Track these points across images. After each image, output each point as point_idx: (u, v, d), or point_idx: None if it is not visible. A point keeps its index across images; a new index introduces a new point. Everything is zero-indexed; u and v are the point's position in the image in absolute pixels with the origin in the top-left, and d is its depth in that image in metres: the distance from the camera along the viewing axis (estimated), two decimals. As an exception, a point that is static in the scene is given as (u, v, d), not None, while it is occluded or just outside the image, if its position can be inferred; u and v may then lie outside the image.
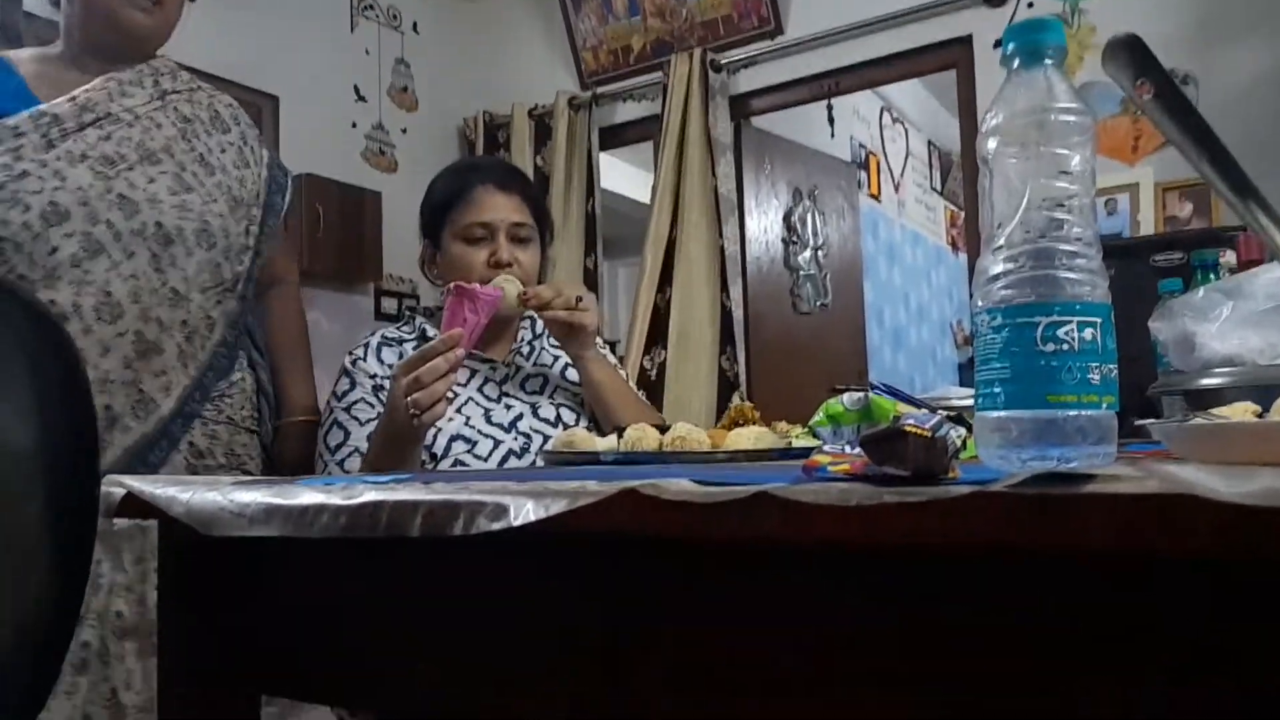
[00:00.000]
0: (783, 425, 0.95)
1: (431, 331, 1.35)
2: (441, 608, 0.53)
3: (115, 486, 0.57)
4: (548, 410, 1.34)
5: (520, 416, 1.31)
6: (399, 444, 1.10)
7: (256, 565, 0.60)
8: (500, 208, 1.37)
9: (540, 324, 1.46)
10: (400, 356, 1.30)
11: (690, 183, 3.13)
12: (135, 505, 0.56)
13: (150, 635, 0.82)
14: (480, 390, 1.33)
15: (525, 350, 1.42)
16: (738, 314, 3.06)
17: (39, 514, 0.47)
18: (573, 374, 1.41)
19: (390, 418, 1.09)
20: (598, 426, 1.34)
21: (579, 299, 1.30)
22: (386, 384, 1.22)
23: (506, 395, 1.34)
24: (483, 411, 1.29)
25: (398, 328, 1.39)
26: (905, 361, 5.30)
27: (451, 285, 1.14)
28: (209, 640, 0.63)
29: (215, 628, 0.63)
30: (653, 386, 3.04)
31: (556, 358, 1.43)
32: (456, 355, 1.08)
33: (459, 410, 1.27)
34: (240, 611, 0.62)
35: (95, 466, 0.51)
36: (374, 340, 1.33)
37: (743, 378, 3.01)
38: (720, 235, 3.08)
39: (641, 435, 0.84)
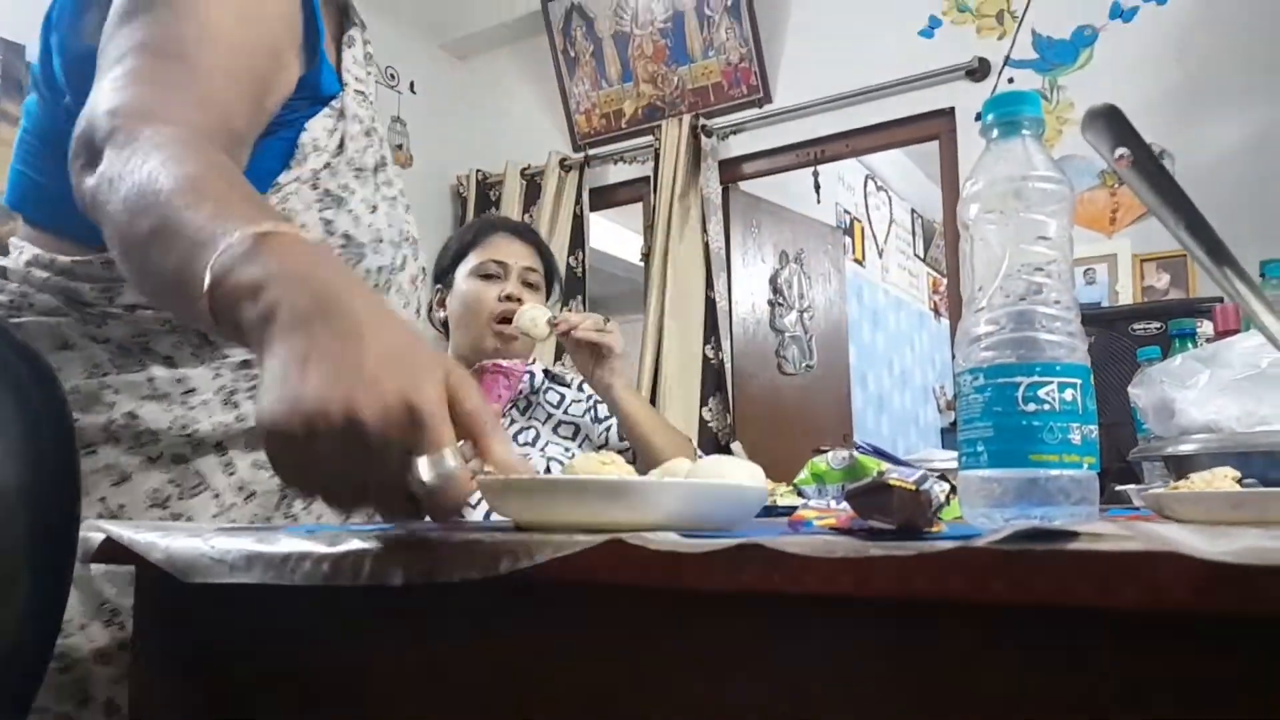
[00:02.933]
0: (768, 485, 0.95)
1: None
2: (423, 657, 0.52)
3: (94, 531, 0.56)
4: (539, 461, 1.34)
5: None
6: None
7: (237, 613, 0.59)
8: (516, 252, 1.44)
9: (539, 379, 1.48)
10: None
11: (683, 240, 3.18)
12: (114, 550, 0.55)
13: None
14: None
15: (522, 405, 1.43)
16: (727, 365, 3.10)
17: (19, 548, 0.47)
18: (566, 430, 1.41)
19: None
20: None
21: (606, 319, 1.33)
22: None
23: None
24: None
25: None
26: (889, 425, 5.33)
27: (487, 364, 1.16)
28: (184, 688, 0.61)
29: (192, 676, 0.61)
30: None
31: (549, 414, 1.43)
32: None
33: None
34: (218, 660, 0.60)
35: (76, 507, 0.51)
36: None
37: (717, 427, 3.02)
38: (711, 289, 3.13)
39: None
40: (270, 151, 0.77)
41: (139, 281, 0.59)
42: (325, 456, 0.41)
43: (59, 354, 0.74)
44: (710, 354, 3.10)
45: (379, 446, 0.41)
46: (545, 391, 1.47)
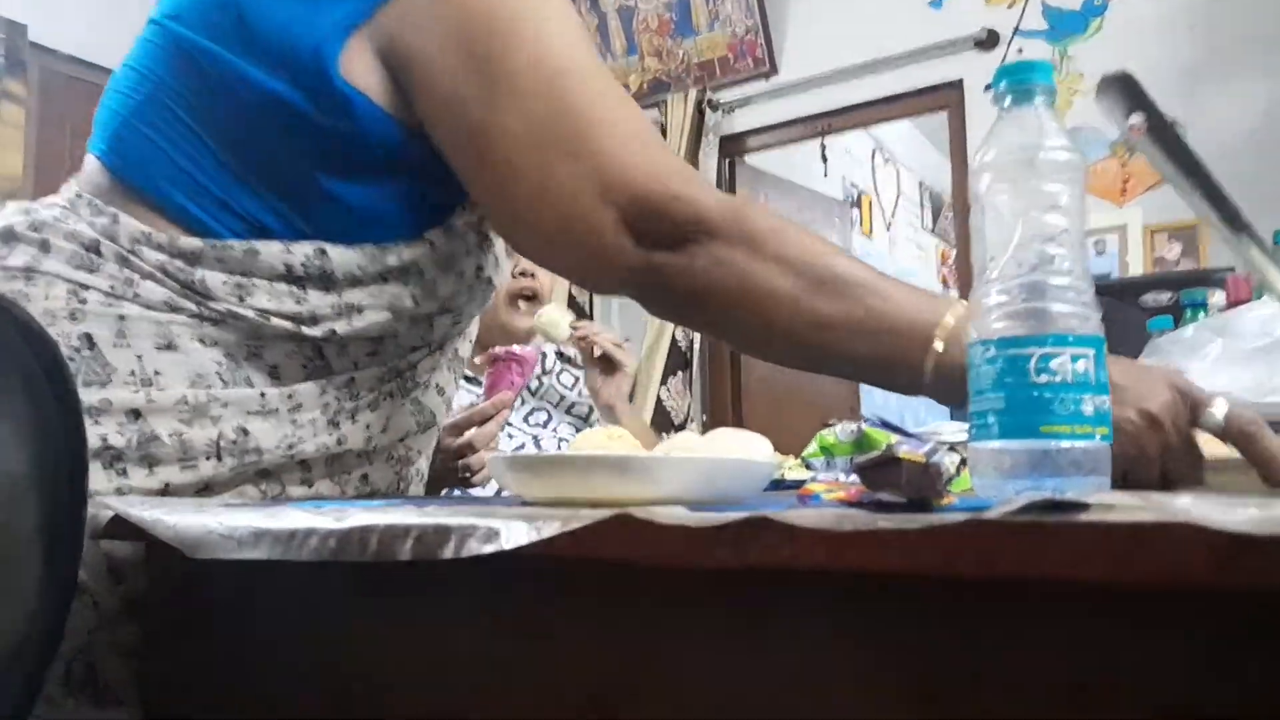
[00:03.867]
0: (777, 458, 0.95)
1: None
2: (429, 632, 0.52)
3: (102, 509, 0.56)
4: (549, 442, 1.34)
5: (522, 447, 1.32)
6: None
7: (246, 591, 0.59)
8: None
9: (550, 360, 1.48)
10: None
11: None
12: (122, 527, 0.55)
13: None
14: None
15: (533, 385, 1.44)
16: (695, 347, 3.11)
17: (28, 532, 0.47)
18: (580, 409, 1.42)
19: (436, 476, 1.09)
20: None
21: (626, 340, 1.35)
22: None
23: (510, 425, 1.35)
24: None
25: None
26: (897, 398, 5.31)
27: (500, 350, 1.17)
28: (197, 668, 0.62)
29: (204, 654, 0.62)
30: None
31: (562, 396, 1.44)
32: (505, 419, 1.10)
33: None
34: (230, 638, 0.61)
35: (84, 487, 0.51)
36: None
37: (695, 407, 3.04)
38: None
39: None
40: (442, 187, 0.73)
41: (820, 358, 0.68)
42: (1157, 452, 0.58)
43: (161, 355, 0.67)
44: (680, 335, 3.09)
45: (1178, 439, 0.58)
46: (559, 374, 1.47)
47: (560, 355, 1.51)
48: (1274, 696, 0.32)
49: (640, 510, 0.39)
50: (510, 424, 1.35)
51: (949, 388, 0.61)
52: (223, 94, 0.69)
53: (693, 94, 3.22)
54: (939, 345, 0.61)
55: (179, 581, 0.62)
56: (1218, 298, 1.24)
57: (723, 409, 3.37)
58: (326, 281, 0.71)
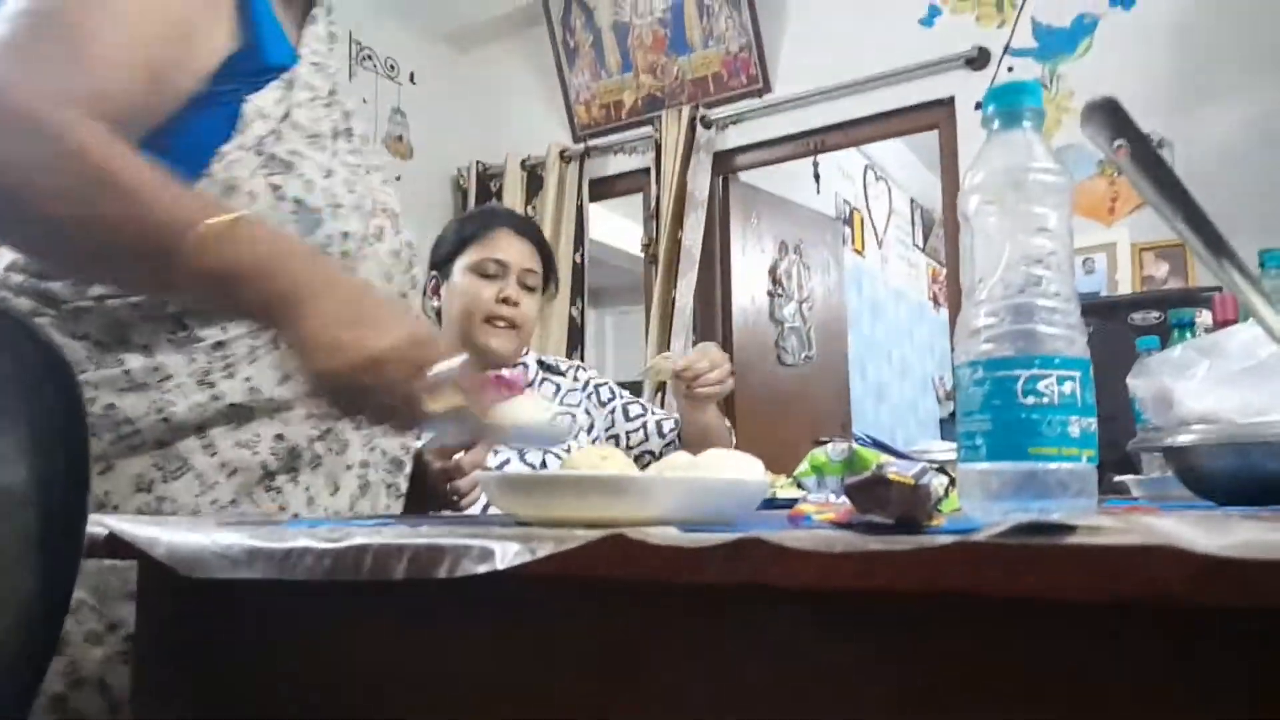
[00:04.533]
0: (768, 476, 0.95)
1: None
2: (421, 651, 0.52)
3: (97, 526, 0.56)
4: (533, 458, 1.34)
5: (507, 463, 1.32)
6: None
7: (238, 607, 0.59)
8: (516, 251, 1.44)
9: (533, 370, 1.48)
10: None
11: (683, 233, 3.19)
12: (116, 545, 0.55)
13: None
14: None
15: None
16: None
17: (25, 547, 0.47)
18: (572, 400, 1.42)
19: (424, 497, 1.08)
20: None
21: (731, 370, 1.34)
22: None
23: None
24: None
25: None
26: (888, 415, 5.33)
27: (489, 374, 1.17)
28: (187, 689, 0.62)
29: (194, 675, 0.61)
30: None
31: (554, 394, 1.44)
32: (493, 444, 1.10)
33: None
34: (222, 658, 0.61)
35: (84, 501, 0.51)
36: None
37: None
38: (674, 288, 3.14)
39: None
40: (211, 123, 0.78)
41: (86, 263, 0.70)
42: (370, 388, 0.63)
43: None
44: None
45: (401, 371, 0.63)
46: (540, 384, 1.47)
47: (541, 364, 1.51)
48: (1252, 712, 0.32)
49: (633, 531, 0.40)
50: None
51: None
52: None
53: (686, 110, 3.24)
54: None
55: (173, 599, 0.62)
56: (1205, 317, 1.25)
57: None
58: None
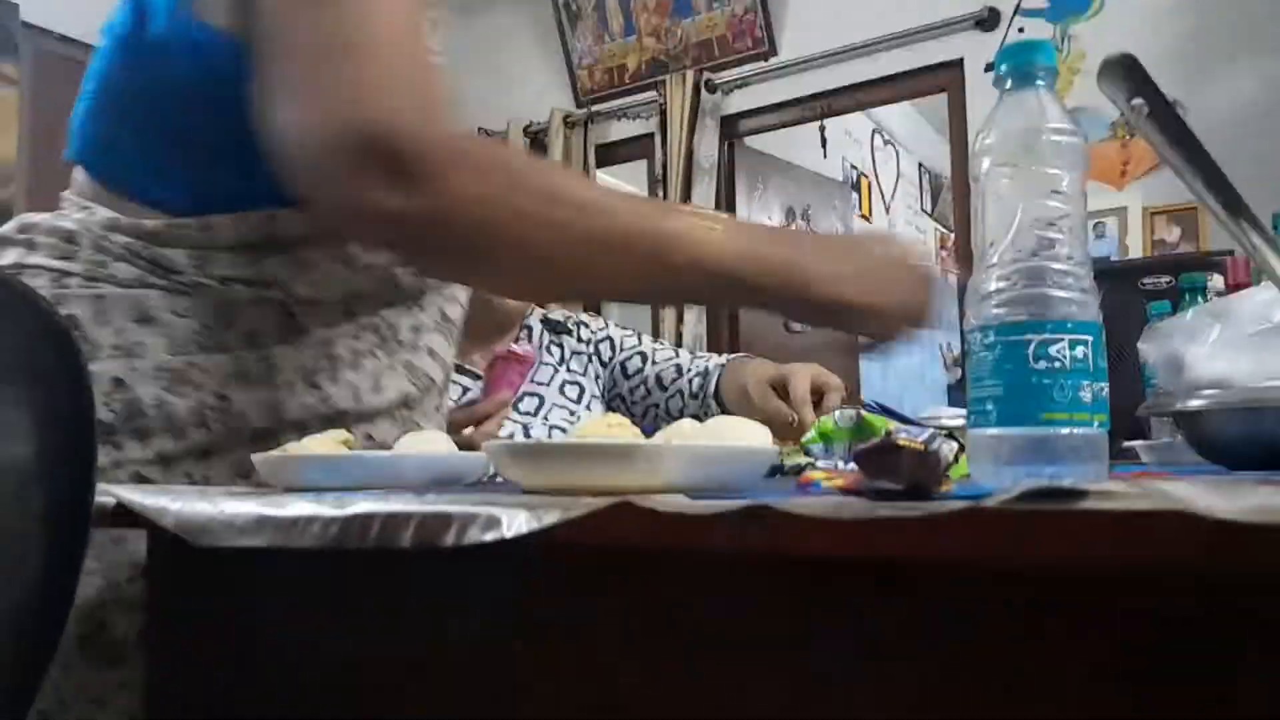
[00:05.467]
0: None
1: None
2: (428, 620, 0.52)
3: (105, 496, 0.56)
4: (539, 431, 1.34)
5: (511, 437, 1.31)
6: None
7: (249, 577, 0.59)
8: None
9: (537, 330, 1.46)
10: None
11: (691, 199, 3.16)
12: (125, 515, 0.56)
13: None
14: None
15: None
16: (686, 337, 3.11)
17: (32, 521, 0.47)
18: (571, 391, 1.41)
19: None
20: None
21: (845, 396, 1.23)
22: None
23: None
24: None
25: None
26: (895, 382, 5.32)
27: (502, 350, 1.16)
28: (200, 659, 0.62)
29: (206, 645, 0.62)
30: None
31: (552, 377, 1.43)
32: (504, 418, 1.10)
33: None
34: (232, 628, 0.61)
35: (91, 476, 0.51)
36: None
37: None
38: None
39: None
40: None
41: (583, 283, 0.73)
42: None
43: (140, 328, 0.71)
44: (684, 328, 3.09)
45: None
46: (546, 347, 1.45)
47: (545, 322, 1.47)
48: (1266, 686, 0.32)
49: (641, 498, 0.40)
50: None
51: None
52: (153, 81, 0.73)
53: (690, 75, 3.20)
54: (708, 248, 0.67)
55: (181, 568, 0.62)
56: (1216, 281, 1.24)
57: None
58: (278, 244, 0.74)
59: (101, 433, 0.66)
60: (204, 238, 0.73)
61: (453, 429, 1.04)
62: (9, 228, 0.76)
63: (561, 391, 1.40)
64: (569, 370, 1.43)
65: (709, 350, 3.12)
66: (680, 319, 3.12)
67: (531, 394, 1.39)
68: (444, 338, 0.87)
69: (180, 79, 0.72)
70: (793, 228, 3.71)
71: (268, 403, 0.73)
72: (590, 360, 1.45)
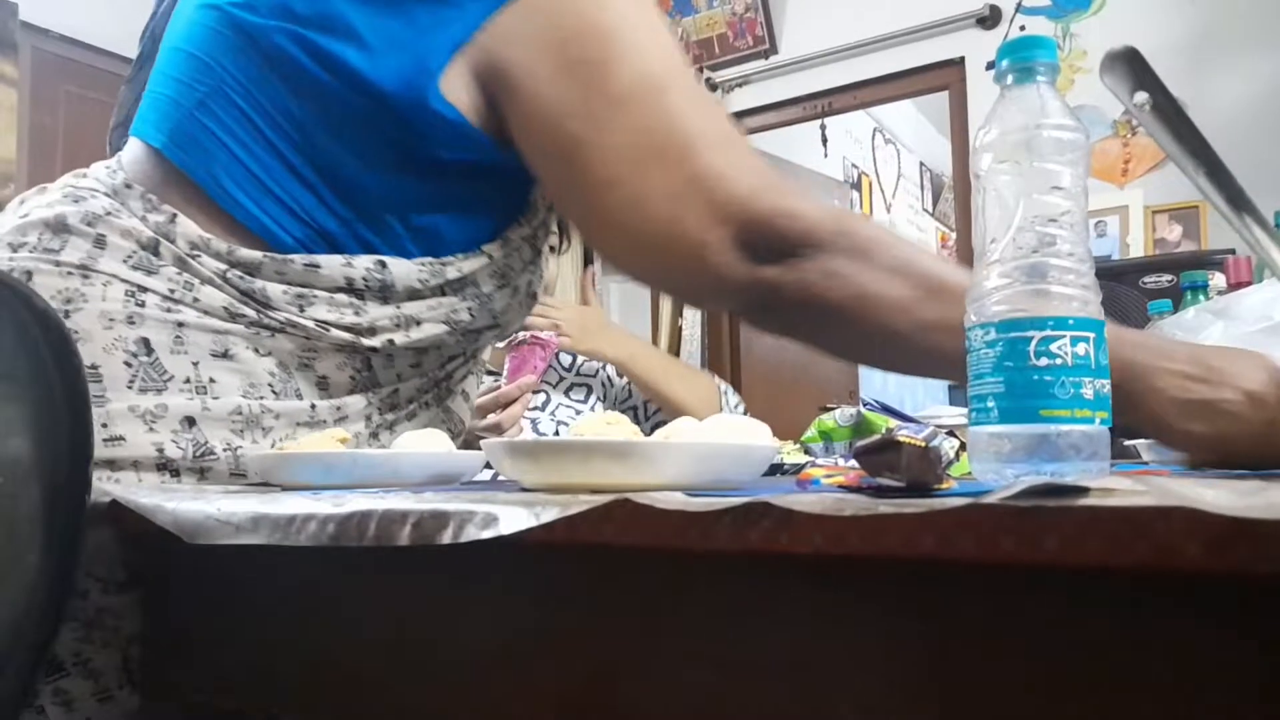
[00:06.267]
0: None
1: None
2: (426, 619, 0.52)
3: (100, 495, 0.56)
4: (547, 425, 1.34)
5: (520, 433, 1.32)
6: None
7: (244, 575, 0.59)
8: None
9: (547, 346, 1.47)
10: None
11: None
12: (121, 513, 0.55)
13: None
14: None
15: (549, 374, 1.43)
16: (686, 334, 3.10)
17: (30, 518, 0.47)
18: (588, 368, 1.42)
19: None
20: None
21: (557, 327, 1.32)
22: None
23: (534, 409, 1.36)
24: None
25: None
26: (895, 381, 5.32)
27: (525, 335, 1.17)
28: (199, 658, 0.62)
29: (198, 642, 0.62)
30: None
31: (570, 364, 1.43)
32: (529, 401, 1.10)
33: None
34: (225, 625, 0.61)
35: (87, 473, 0.51)
36: None
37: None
38: None
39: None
40: (503, 200, 0.76)
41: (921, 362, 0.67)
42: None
43: (216, 362, 0.68)
44: (684, 324, 3.09)
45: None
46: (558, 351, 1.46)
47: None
48: (1270, 683, 0.32)
49: (639, 495, 0.39)
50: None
51: None
52: (302, 93, 0.69)
53: (692, 74, 3.21)
54: None
55: (177, 567, 0.62)
56: (1217, 280, 1.24)
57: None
58: (386, 294, 0.72)
59: (163, 465, 0.65)
60: (308, 276, 0.70)
61: (478, 413, 1.05)
62: (70, 211, 0.69)
63: (568, 394, 1.41)
64: (577, 375, 1.44)
65: (709, 351, 3.12)
66: (679, 315, 3.11)
67: (538, 391, 1.40)
68: (475, 377, 0.88)
69: (369, 121, 0.69)
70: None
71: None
72: (602, 365, 1.46)
